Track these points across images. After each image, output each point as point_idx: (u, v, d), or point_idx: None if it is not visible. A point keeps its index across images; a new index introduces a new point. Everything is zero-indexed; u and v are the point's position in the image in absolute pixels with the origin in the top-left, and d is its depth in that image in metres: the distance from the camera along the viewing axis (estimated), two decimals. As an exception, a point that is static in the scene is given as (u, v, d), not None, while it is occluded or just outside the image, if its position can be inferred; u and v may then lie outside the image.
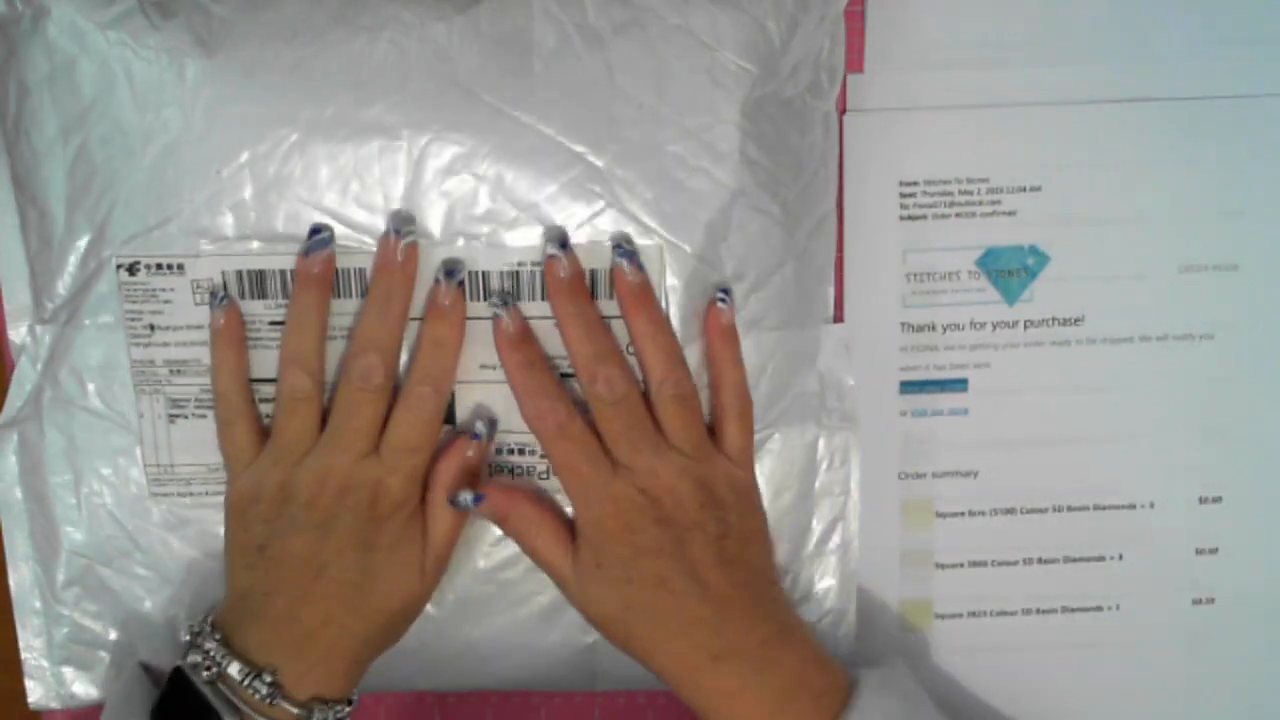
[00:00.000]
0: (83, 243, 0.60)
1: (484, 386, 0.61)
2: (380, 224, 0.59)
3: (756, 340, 0.62)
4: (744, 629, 0.58)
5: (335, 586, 0.58)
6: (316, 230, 0.59)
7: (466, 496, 0.60)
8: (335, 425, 0.59)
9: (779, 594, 0.62)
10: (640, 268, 0.59)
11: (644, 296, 0.60)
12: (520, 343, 0.60)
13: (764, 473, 0.64)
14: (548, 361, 0.61)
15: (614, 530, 0.59)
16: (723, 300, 0.60)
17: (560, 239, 0.59)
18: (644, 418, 0.60)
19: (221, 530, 0.62)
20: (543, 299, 0.60)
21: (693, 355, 0.61)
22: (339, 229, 0.59)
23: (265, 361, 0.61)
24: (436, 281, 0.59)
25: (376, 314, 0.59)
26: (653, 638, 0.59)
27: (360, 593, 0.59)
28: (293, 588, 0.58)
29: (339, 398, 0.59)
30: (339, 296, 0.60)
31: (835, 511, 0.66)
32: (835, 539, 0.66)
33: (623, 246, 0.59)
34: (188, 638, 0.58)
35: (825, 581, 0.67)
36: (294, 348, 0.60)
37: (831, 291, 0.66)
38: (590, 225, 0.59)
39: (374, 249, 0.59)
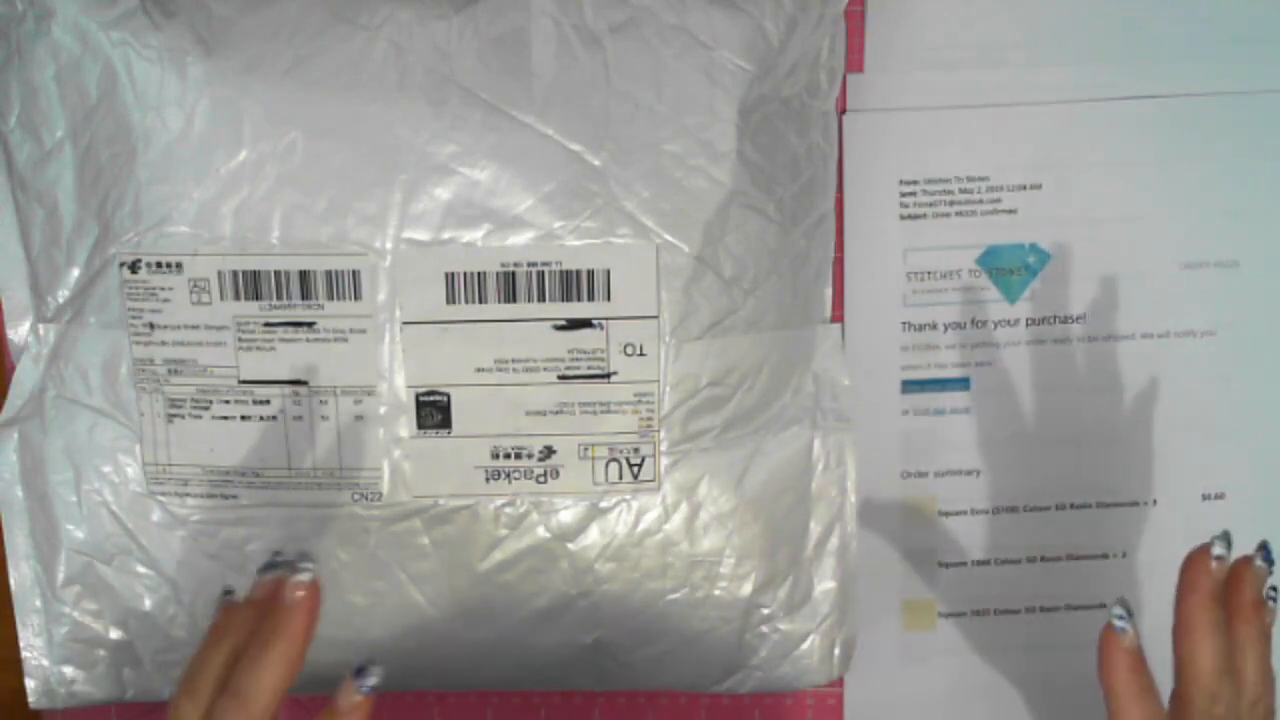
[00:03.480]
0: (90, 240, 0.61)
1: (482, 389, 0.61)
2: (378, 226, 0.59)
3: (753, 340, 0.62)
4: None
5: None
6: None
7: None
8: None
9: None
10: (1268, 578, 0.54)
11: (1260, 609, 0.54)
12: (1140, 665, 0.52)
13: (760, 476, 0.64)
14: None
15: None
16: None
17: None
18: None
19: (218, 530, 0.62)
20: (539, 300, 0.60)
21: (693, 354, 0.61)
22: (336, 230, 0.59)
23: (259, 364, 0.61)
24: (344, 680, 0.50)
25: (251, 660, 0.49)
26: None
27: None
28: None
29: None
30: (334, 300, 0.60)
31: (833, 513, 0.66)
32: (834, 540, 0.66)
33: (1268, 552, 0.54)
34: None
35: (825, 584, 0.66)
36: (195, 666, 0.51)
37: (829, 292, 0.66)
38: (587, 223, 0.59)
39: (369, 253, 0.59)
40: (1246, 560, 0.54)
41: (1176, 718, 0.53)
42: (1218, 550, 0.53)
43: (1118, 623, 0.52)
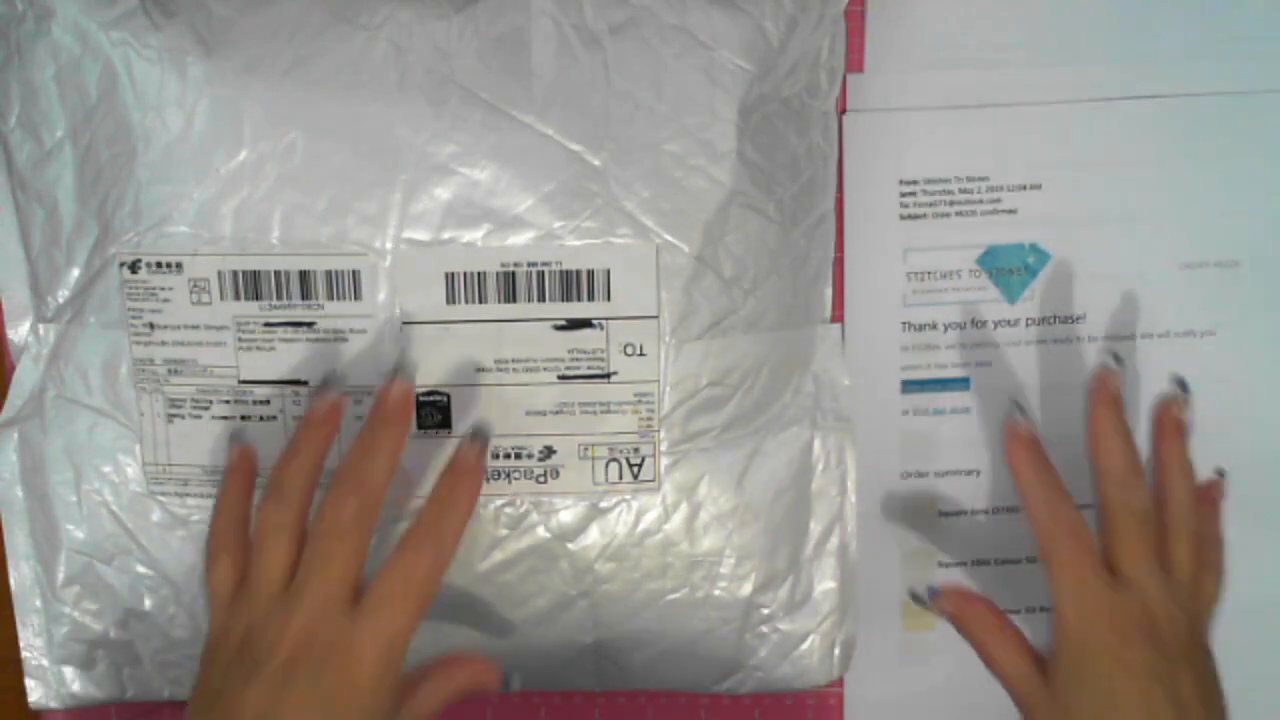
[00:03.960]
0: (90, 240, 0.61)
1: (482, 389, 0.61)
2: (378, 226, 0.59)
3: (753, 340, 0.62)
4: None
5: None
6: (328, 379, 0.59)
7: (922, 589, 0.61)
8: (304, 568, 0.54)
9: None
10: (1189, 408, 0.61)
11: (1181, 429, 0.61)
12: (1034, 443, 0.59)
13: (760, 476, 0.64)
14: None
15: (1105, 643, 0.56)
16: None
17: (1116, 356, 0.61)
18: (1156, 540, 0.59)
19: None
20: (539, 300, 0.60)
21: (693, 354, 0.61)
22: (336, 230, 0.59)
23: (259, 364, 0.61)
24: (460, 441, 0.58)
25: (359, 453, 0.56)
26: None
27: None
28: None
29: (309, 538, 0.54)
30: (334, 300, 0.60)
31: (832, 513, 0.66)
32: (834, 540, 0.67)
33: (1184, 383, 0.61)
34: None
35: (825, 584, 0.67)
36: (278, 476, 0.56)
37: (829, 292, 0.66)
38: (587, 223, 0.59)
39: (369, 253, 0.59)
40: (1168, 393, 0.62)
41: (1100, 518, 0.59)
42: (1111, 364, 0.60)
43: (1018, 415, 0.60)
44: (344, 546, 0.54)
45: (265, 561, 0.54)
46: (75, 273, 0.61)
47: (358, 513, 0.54)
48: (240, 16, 0.58)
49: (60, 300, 0.62)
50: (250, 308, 0.60)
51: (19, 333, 0.64)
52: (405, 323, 0.60)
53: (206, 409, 0.62)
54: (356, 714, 0.53)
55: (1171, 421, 0.61)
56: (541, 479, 0.62)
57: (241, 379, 0.61)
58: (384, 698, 0.53)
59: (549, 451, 0.62)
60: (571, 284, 0.60)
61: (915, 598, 0.62)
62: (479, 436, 0.58)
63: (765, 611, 0.65)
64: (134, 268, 0.60)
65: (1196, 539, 0.59)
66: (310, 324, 0.61)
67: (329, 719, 0.52)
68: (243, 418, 0.62)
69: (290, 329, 0.61)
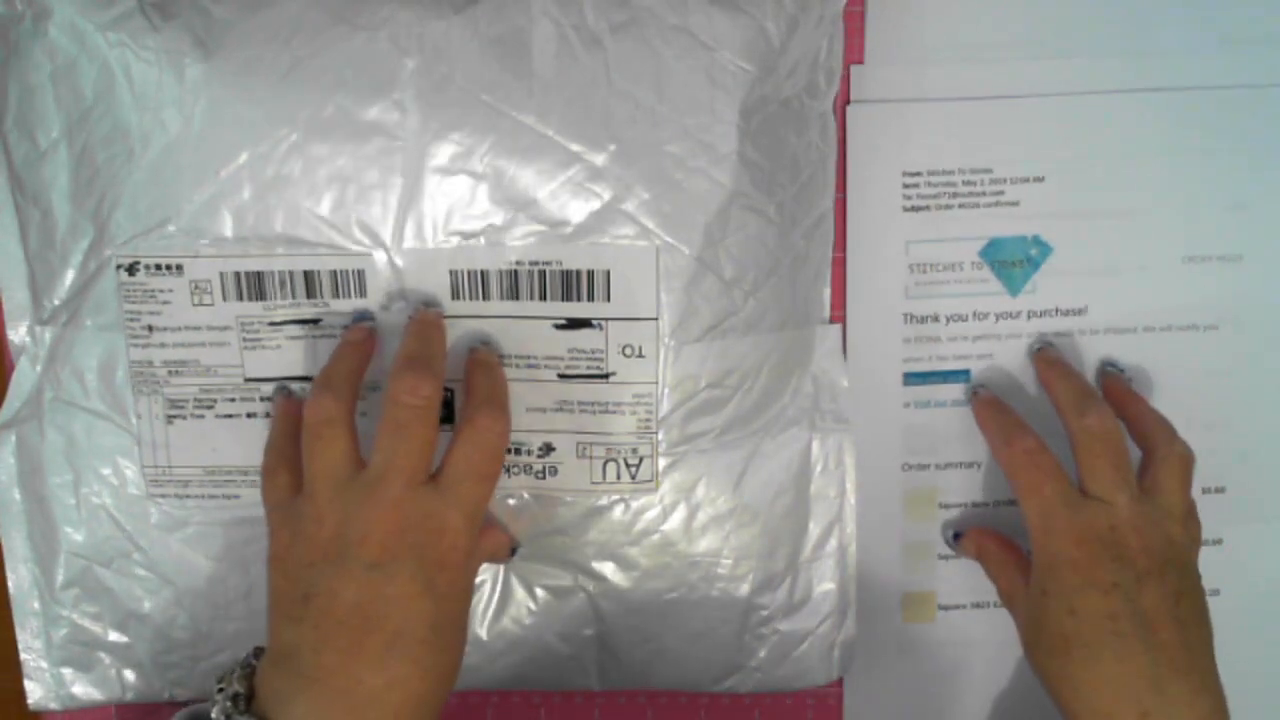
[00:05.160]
0: (85, 243, 0.60)
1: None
2: (380, 227, 0.59)
3: (753, 342, 0.62)
4: (1185, 695, 0.57)
5: (401, 641, 0.52)
6: (361, 314, 0.60)
7: (949, 532, 0.68)
8: (383, 449, 0.54)
9: (1218, 677, 0.59)
10: (1129, 380, 0.67)
11: (1135, 393, 0.66)
12: (993, 400, 0.66)
13: (758, 477, 0.64)
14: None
15: (1070, 559, 0.59)
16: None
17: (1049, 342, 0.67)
18: (1128, 459, 0.61)
19: (219, 531, 0.62)
20: (540, 298, 0.60)
21: (693, 356, 0.61)
22: (338, 231, 0.59)
23: (264, 361, 0.61)
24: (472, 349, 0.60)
25: (417, 344, 0.57)
26: (1083, 678, 0.58)
27: (431, 649, 0.53)
28: (346, 641, 0.51)
29: (384, 421, 0.54)
30: (339, 297, 0.60)
31: (831, 515, 0.66)
32: (832, 542, 0.67)
33: (1115, 365, 0.67)
34: (220, 716, 0.51)
35: (824, 585, 0.67)
36: (325, 374, 0.57)
37: (828, 292, 0.66)
38: (588, 224, 0.59)
39: (372, 253, 0.60)
40: (1109, 372, 0.67)
41: (1071, 448, 0.62)
42: (1042, 345, 0.67)
43: (980, 390, 0.67)
44: (422, 427, 0.54)
45: (324, 451, 0.55)
46: (70, 275, 0.61)
47: (432, 393, 0.55)
48: (239, 18, 0.58)
49: (56, 302, 0.62)
50: (254, 308, 0.60)
51: (19, 333, 0.64)
52: (411, 319, 0.60)
53: (210, 408, 0.62)
54: (454, 590, 0.55)
55: (1124, 387, 0.66)
56: (540, 475, 0.62)
57: (248, 377, 0.61)
58: (471, 568, 0.56)
59: (548, 449, 0.62)
60: (571, 284, 0.60)
61: (949, 542, 0.68)
62: (489, 345, 0.60)
63: (764, 613, 0.66)
64: (131, 270, 0.60)
65: (1184, 465, 0.61)
66: (316, 320, 0.61)
67: (433, 597, 0.53)
68: (248, 415, 0.62)
69: (296, 326, 0.61)
